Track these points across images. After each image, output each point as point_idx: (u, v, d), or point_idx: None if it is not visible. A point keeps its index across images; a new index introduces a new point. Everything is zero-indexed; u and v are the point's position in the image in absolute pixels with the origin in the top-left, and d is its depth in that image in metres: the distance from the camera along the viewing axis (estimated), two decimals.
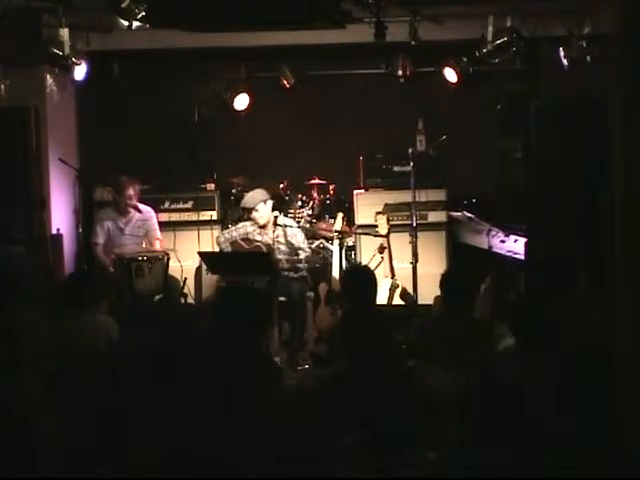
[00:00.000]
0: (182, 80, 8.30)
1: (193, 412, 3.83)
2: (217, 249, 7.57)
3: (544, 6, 7.02)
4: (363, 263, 7.50)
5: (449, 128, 7.93)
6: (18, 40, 6.88)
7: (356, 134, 8.37)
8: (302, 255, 7.27)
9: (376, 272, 5.90)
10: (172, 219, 7.94)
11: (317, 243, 7.93)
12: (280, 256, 7.21)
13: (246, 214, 7.55)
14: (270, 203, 7.34)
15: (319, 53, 8.13)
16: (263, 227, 7.30)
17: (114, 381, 4.23)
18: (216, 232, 7.94)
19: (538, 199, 6.83)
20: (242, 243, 7.34)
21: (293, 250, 7.26)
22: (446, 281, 5.18)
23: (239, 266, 6.91)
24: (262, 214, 7.26)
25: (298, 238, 7.32)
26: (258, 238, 7.31)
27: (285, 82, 8.36)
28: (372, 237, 7.41)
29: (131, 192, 7.31)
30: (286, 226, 7.28)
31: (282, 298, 6.93)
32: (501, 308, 6.34)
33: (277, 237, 7.25)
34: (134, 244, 7.34)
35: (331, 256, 7.54)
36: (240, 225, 7.53)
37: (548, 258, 6.55)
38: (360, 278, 5.41)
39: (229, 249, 7.39)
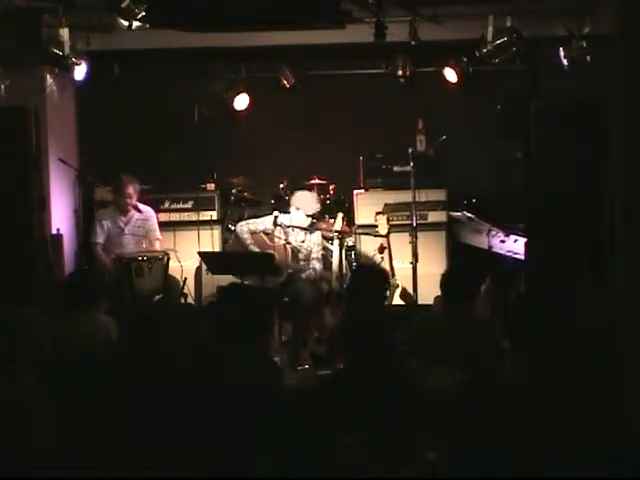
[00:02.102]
0: (182, 80, 8.30)
1: (193, 412, 3.83)
2: (218, 246, 7.58)
3: (544, 6, 7.03)
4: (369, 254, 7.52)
5: (449, 128, 7.93)
6: (18, 40, 6.89)
7: (356, 134, 8.38)
8: (317, 265, 7.28)
9: None
10: (172, 219, 7.94)
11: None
12: (301, 258, 7.24)
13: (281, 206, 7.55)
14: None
15: (319, 53, 8.13)
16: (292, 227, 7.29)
17: (114, 381, 4.22)
18: (216, 232, 7.96)
19: (538, 199, 6.82)
20: (264, 237, 7.33)
21: (309, 256, 7.28)
22: (446, 281, 5.17)
23: (239, 266, 6.91)
24: (305, 221, 7.27)
25: (319, 248, 7.36)
26: (282, 236, 7.26)
27: (285, 82, 8.36)
28: (372, 237, 7.41)
29: (131, 190, 7.31)
30: (288, 226, 7.27)
31: (285, 298, 6.94)
32: (501, 308, 6.34)
33: (304, 237, 7.26)
34: (134, 243, 7.34)
35: (331, 256, 7.54)
36: (266, 218, 7.47)
37: (548, 258, 6.54)
38: (366, 276, 5.42)
39: (250, 240, 7.35)
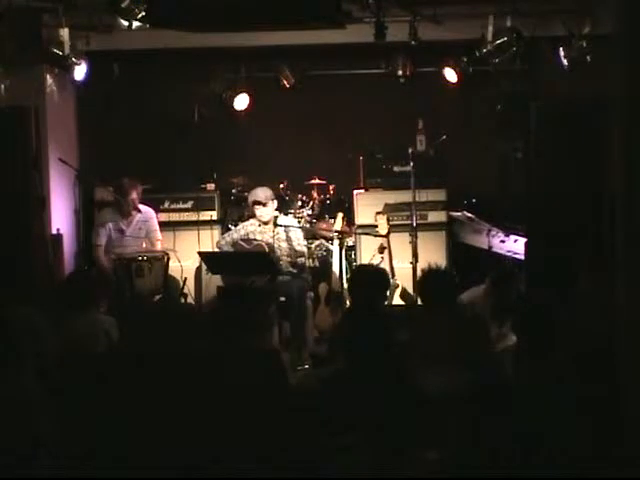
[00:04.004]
0: (182, 80, 8.30)
1: (193, 412, 3.83)
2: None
3: (544, 6, 7.03)
4: (368, 262, 7.48)
5: (449, 128, 7.93)
6: (18, 40, 6.88)
7: (356, 134, 8.37)
8: (299, 248, 7.29)
9: None
10: (172, 219, 7.93)
11: (317, 243, 7.93)
12: (282, 255, 7.22)
13: (249, 211, 7.51)
14: (275, 203, 7.35)
15: (319, 53, 8.13)
16: (265, 223, 7.28)
17: (114, 381, 4.22)
18: (216, 232, 7.94)
19: (538, 199, 6.83)
20: (243, 244, 7.33)
21: (292, 247, 7.28)
22: (422, 283, 5.20)
23: (239, 266, 6.91)
24: (269, 211, 7.25)
25: (298, 234, 7.34)
26: (259, 237, 7.30)
27: (285, 82, 8.36)
28: (372, 237, 7.41)
29: (134, 196, 7.31)
30: (287, 226, 7.29)
31: (282, 298, 6.93)
32: (501, 308, 6.34)
33: (277, 234, 7.24)
34: (135, 245, 7.33)
35: (331, 256, 7.54)
36: (239, 227, 7.52)
37: (548, 258, 6.55)
38: (367, 278, 5.42)
39: (232, 250, 7.37)
